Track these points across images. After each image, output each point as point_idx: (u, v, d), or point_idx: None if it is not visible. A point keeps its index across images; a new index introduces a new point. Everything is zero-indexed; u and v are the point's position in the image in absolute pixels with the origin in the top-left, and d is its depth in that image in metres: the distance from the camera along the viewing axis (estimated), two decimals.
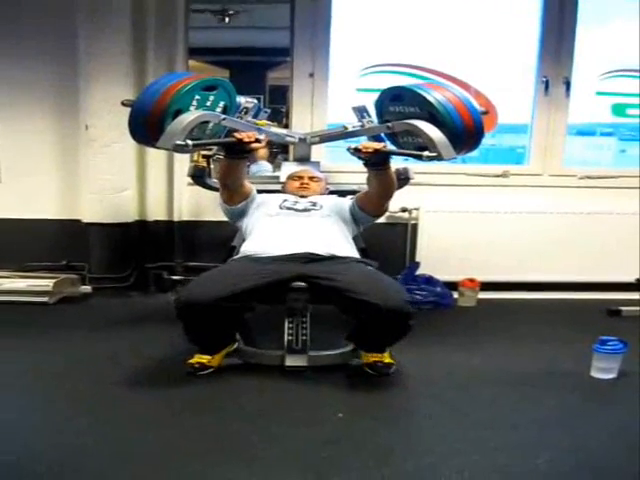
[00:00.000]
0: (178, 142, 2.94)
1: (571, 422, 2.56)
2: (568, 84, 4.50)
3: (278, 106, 4.57)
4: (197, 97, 3.21)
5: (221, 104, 3.35)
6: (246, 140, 3.08)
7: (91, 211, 4.32)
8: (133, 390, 2.79)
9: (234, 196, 3.41)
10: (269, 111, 3.91)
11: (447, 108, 3.24)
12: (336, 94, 4.48)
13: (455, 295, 4.33)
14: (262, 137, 3.13)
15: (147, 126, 3.17)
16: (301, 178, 3.67)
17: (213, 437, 2.37)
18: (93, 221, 4.32)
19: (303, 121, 4.43)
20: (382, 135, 3.59)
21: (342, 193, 3.79)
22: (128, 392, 2.77)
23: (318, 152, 4.27)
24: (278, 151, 4.54)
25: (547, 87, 4.51)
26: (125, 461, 2.18)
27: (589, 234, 4.41)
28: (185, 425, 2.47)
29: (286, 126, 4.42)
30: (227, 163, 3.27)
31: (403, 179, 3.74)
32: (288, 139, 3.94)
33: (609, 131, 5.02)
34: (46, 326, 3.69)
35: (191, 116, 3.06)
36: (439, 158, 3.04)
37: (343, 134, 3.80)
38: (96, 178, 4.24)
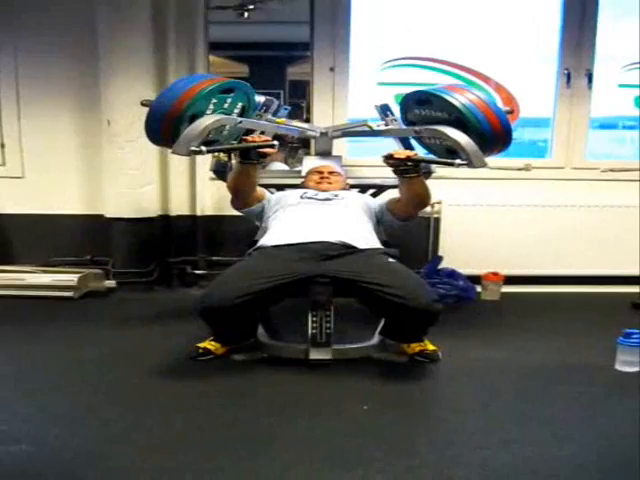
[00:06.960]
0: (193, 148, 2.97)
1: (595, 415, 2.55)
2: (590, 76, 4.47)
3: (298, 101, 4.56)
4: (214, 100, 3.22)
5: (239, 105, 3.36)
6: (257, 142, 3.09)
7: (114, 206, 4.35)
8: (158, 384, 2.81)
9: (246, 200, 3.43)
10: (289, 108, 3.93)
11: (474, 113, 3.24)
12: (357, 88, 4.48)
13: (478, 289, 4.32)
14: (275, 142, 3.12)
15: (163, 129, 3.20)
16: (321, 173, 3.67)
17: (238, 429, 2.38)
18: (116, 216, 4.35)
19: (324, 115, 4.43)
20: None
21: (363, 187, 3.79)
22: (153, 386, 2.79)
23: (339, 147, 4.28)
24: (299, 146, 4.54)
25: (569, 79, 4.47)
26: (151, 452, 2.20)
27: (612, 227, 4.37)
28: (210, 418, 2.49)
29: (307, 121, 4.42)
30: (241, 169, 3.27)
31: (425, 172, 3.73)
32: (309, 133, 3.94)
33: (631, 124, 4.97)
34: (71, 320, 3.73)
35: (206, 121, 3.08)
36: (471, 166, 3.05)
37: (368, 133, 3.80)
38: (119, 173, 4.27)
